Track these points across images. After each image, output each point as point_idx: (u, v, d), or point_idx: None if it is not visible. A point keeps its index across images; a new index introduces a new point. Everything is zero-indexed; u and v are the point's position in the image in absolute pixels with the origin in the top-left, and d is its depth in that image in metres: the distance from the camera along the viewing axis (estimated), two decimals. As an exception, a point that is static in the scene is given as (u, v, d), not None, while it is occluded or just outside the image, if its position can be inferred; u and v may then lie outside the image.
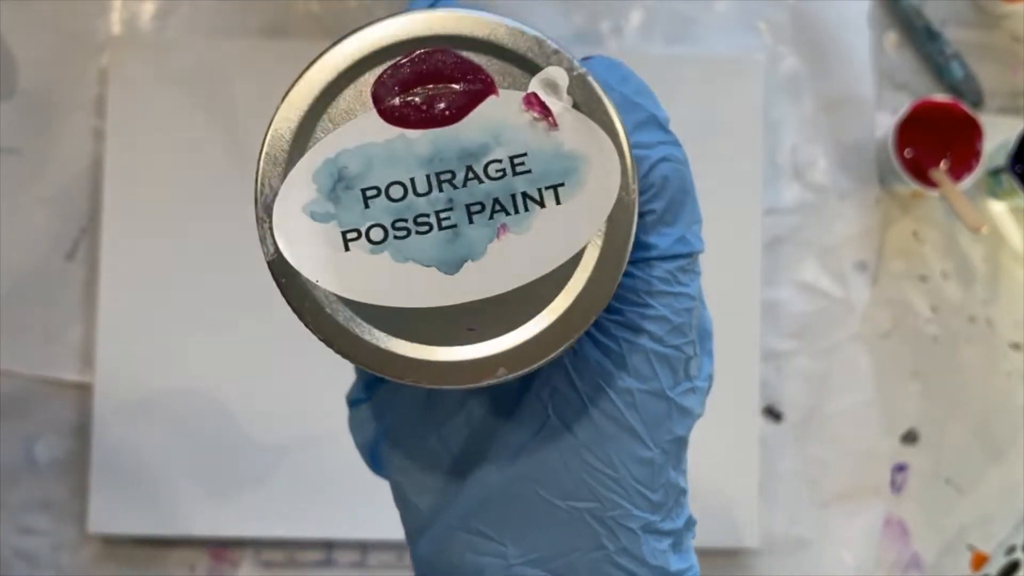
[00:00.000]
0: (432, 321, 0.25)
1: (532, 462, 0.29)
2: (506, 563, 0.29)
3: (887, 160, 0.68)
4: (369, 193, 0.25)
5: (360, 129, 0.25)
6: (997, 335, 0.71)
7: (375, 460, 0.34)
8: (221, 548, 0.67)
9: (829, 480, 0.69)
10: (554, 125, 0.25)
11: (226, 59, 0.68)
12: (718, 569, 0.68)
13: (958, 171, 0.67)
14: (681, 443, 0.30)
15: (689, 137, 0.75)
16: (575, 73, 0.25)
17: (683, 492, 0.31)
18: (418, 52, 0.25)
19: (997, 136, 0.68)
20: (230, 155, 0.67)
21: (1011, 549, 0.66)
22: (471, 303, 0.25)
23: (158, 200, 0.67)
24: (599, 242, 0.25)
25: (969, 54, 0.71)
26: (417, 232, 0.25)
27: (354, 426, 0.35)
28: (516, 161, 0.25)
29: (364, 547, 0.68)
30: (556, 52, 0.25)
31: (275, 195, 0.25)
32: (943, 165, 0.68)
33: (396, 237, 0.25)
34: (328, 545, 0.68)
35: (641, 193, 0.28)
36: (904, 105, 0.67)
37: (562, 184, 0.25)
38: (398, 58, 0.25)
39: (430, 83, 0.25)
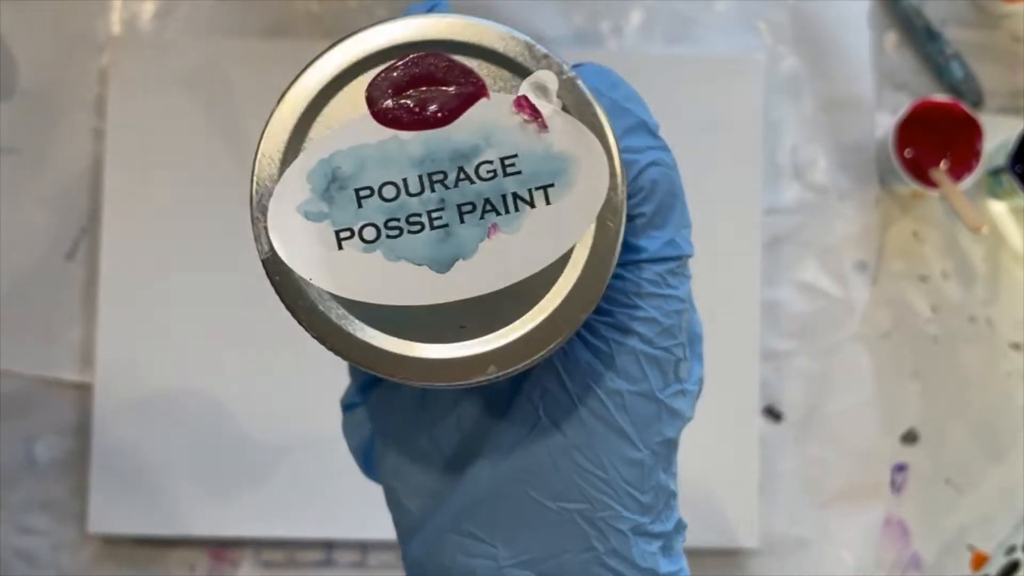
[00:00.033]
0: (424, 319, 0.25)
1: (523, 463, 0.29)
2: (497, 564, 0.29)
3: (887, 160, 0.68)
4: (362, 193, 0.25)
5: (354, 131, 0.26)
6: (997, 335, 0.71)
7: (368, 464, 0.34)
8: (221, 548, 0.67)
9: (829, 480, 0.69)
10: (544, 127, 0.26)
11: (226, 59, 0.68)
12: (718, 569, 0.68)
13: (958, 171, 0.67)
14: (671, 445, 0.30)
15: (689, 137, 0.75)
16: (564, 77, 0.26)
17: (673, 495, 0.31)
18: (411, 56, 0.26)
19: (997, 136, 0.68)
20: (230, 155, 0.67)
21: (1011, 549, 0.66)
22: (462, 301, 0.25)
23: (158, 200, 0.68)
24: (588, 242, 0.26)
25: (969, 54, 0.71)
26: (409, 231, 0.25)
27: (348, 430, 0.35)
28: (507, 162, 0.25)
29: (364, 547, 0.68)
30: (546, 56, 0.26)
31: (270, 195, 0.25)
32: (943, 165, 0.68)
33: (389, 236, 0.25)
34: (328, 545, 0.68)
35: (630, 197, 0.29)
36: (904, 105, 0.67)
37: (552, 185, 0.25)
38: (392, 62, 0.26)
39: (423, 86, 0.26)
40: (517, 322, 0.26)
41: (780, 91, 0.71)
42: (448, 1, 0.31)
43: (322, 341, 0.26)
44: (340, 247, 0.25)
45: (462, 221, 0.25)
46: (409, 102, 0.26)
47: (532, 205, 0.25)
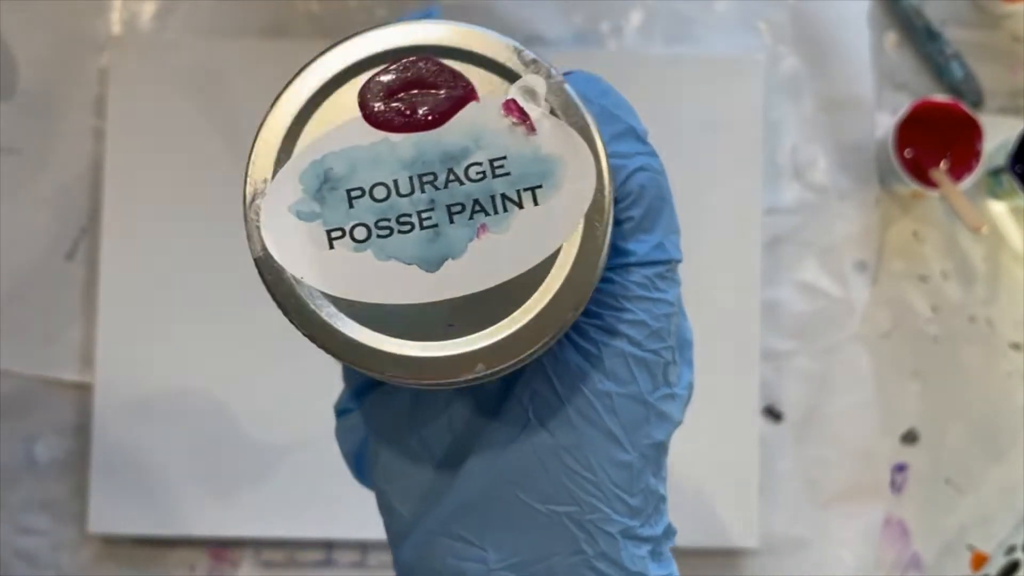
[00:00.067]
0: (413, 317, 0.26)
1: (512, 465, 0.29)
2: (486, 568, 0.29)
3: (887, 160, 0.68)
4: (353, 194, 0.26)
5: (346, 133, 0.26)
6: (997, 335, 0.71)
7: (360, 469, 0.34)
8: (221, 548, 0.67)
9: (829, 480, 0.69)
10: (532, 130, 0.26)
11: (226, 59, 0.68)
12: (718, 569, 0.68)
13: (958, 171, 0.67)
14: (660, 449, 0.30)
15: (689, 137, 0.75)
16: (552, 81, 0.26)
17: (662, 499, 0.31)
18: (403, 60, 0.26)
19: (997, 136, 0.68)
20: (230, 155, 0.67)
21: (1011, 549, 0.66)
22: (451, 300, 0.26)
23: (158, 200, 0.68)
24: (576, 242, 0.26)
25: (969, 54, 0.71)
26: (399, 231, 0.26)
27: (340, 435, 0.35)
28: (496, 164, 0.26)
29: (364, 547, 0.68)
30: (534, 61, 0.27)
31: (263, 195, 0.26)
32: (943, 165, 0.68)
33: (379, 236, 0.26)
34: (328, 545, 0.68)
35: (619, 201, 0.29)
36: (904, 105, 0.67)
37: (540, 186, 0.26)
38: (384, 66, 0.26)
39: (414, 90, 0.26)
40: (505, 321, 0.26)
41: (780, 91, 0.71)
42: (441, 9, 0.31)
43: (312, 339, 0.26)
44: (331, 246, 0.26)
45: (451, 221, 0.26)
46: (400, 105, 0.26)
47: (520, 206, 0.26)
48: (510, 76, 0.26)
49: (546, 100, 0.26)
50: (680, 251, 0.31)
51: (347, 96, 0.26)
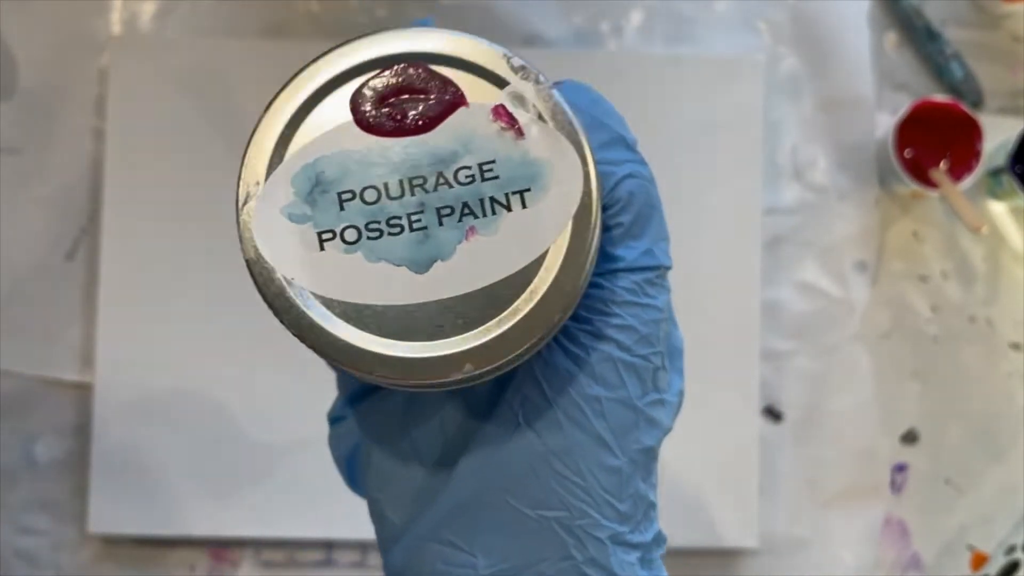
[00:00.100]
0: (402, 318, 0.26)
1: (503, 470, 0.29)
2: (476, 574, 0.29)
3: (887, 160, 0.68)
4: (344, 196, 0.26)
5: (338, 137, 0.27)
6: (997, 335, 0.71)
7: (353, 476, 0.34)
8: (221, 548, 0.67)
9: (829, 480, 0.69)
10: (520, 135, 0.27)
11: (226, 59, 0.68)
12: (718, 569, 0.68)
13: (958, 171, 0.67)
14: (650, 454, 0.30)
15: (689, 137, 0.75)
16: (540, 87, 0.27)
17: (652, 506, 0.31)
18: (394, 66, 0.27)
19: (997, 136, 0.68)
20: (230, 155, 0.67)
21: (1011, 549, 0.66)
22: (440, 301, 0.26)
23: (158, 200, 0.68)
24: (564, 245, 0.27)
25: (969, 54, 0.71)
26: (389, 233, 0.26)
27: (333, 443, 0.35)
28: (484, 167, 0.27)
29: (364, 547, 0.68)
30: (523, 68, 0.27)
31: (255, 197, 0.27)
32: (943, 165, 0.68)
33: (369, 238, 0.26)
34: (328, 545, 0.68)
35: (608, 207, 0.30)
36: (904, 105, 0.67)
37: (528, 189, 0.26)
38: (375, 72, 0.27)
39: (405, 95, 0.27)
40: (493, 322, 0.26)
41: (780, 91, 0.71)
42: (433, 19, 0.32)
43: (301, 339, 0.27)
44: (322, 248, 0.26)
45: (441, 224, 0.26)
46: (391, 110, 0.27)
47: (509, 209, 0.26)
48: (499, 82, 0.27)
49: (534, 106, 0.27)
50: (670, 258, 0.31)
51: (339, 101, 0.27)
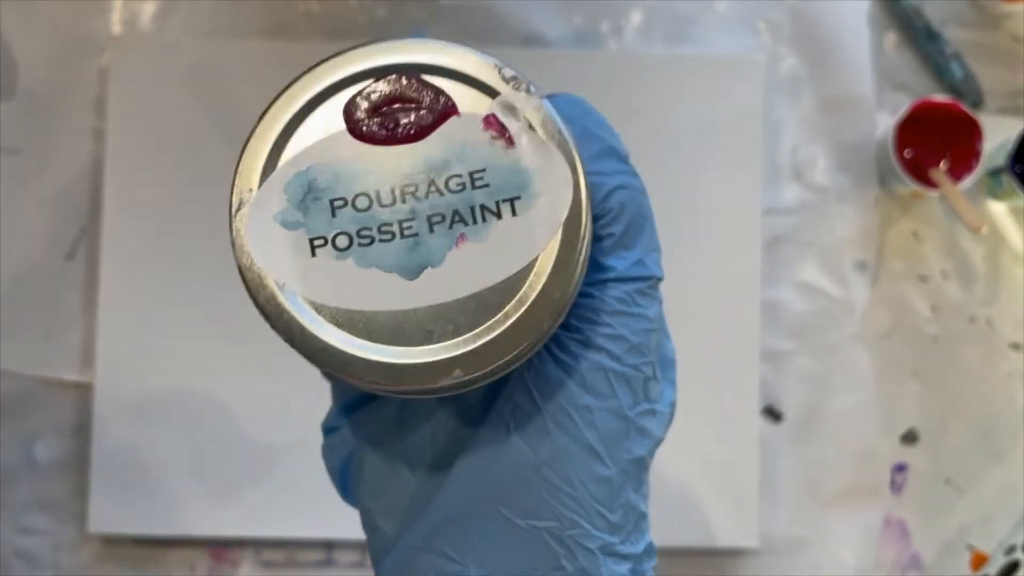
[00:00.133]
0: (392, 324, 0.27)
1: (494, 479, 0.29)
2: None
3: (887, 160, 0.68)
4: (336, 204, 0.27)
5: (331, 145, 0.27)
6: (997, 335, 0.71)
7: (346, 487, 0.35)
8: (221, 548, 0.67)
9: (829, 480, 0.69)
10: (511, 143, 0.27)
11: (226, 59, 0.68)
12: (718, 569, 0.68)
13: (958, 171, 0.67)
14: (641, 465, 0.30)
15: (689, 137, 0.75)
16: (531, 97, 0.27)
17: (643, 516, 0.31)
18: (387, 76, 0.27)
19: (997, 136, 0.68)
20: (230, 155, 0.67)
21: (1011, 549, 0.66)
22: (430, 308, 0.27)
23: (158, 200, 0.68)
24: (553, 253, 0.27)
25: (969, 54, 0.71)
26: (380, 240, 0.27)
27: (327, 453, 0.35)
28: (475, 176, 0.27)
29: (364, 547, 0.68)
30: (514, 78, 0.28)
31: (248, 204, 0.27)
32: (943, 165, 0.68)
33: (360, 244, 0.27)
34: (328, 545, 0.68)
35: (599, 218, 0.30)
36: (904, 105, 0.67)
37: (518, 197, 0.27)
38: (369, 81, 0.27)
39: (397, 104, 0.27)
40: (482, 328, 0.27)
41: (780, 91, 0.71)
42: (426, 31, 0.32)
43: (293, 344, 0.27)
44: (313, 254, 0.27)
45: (431, 231, 0.27)
46: (384, 119, 0.27)
47: (499, 216, 0.27)
48: (491, 92, 0.27)
49: (525, 116, 0.27)
50: (661, 269, 0.31)
51: (333, 110, 0.27)
